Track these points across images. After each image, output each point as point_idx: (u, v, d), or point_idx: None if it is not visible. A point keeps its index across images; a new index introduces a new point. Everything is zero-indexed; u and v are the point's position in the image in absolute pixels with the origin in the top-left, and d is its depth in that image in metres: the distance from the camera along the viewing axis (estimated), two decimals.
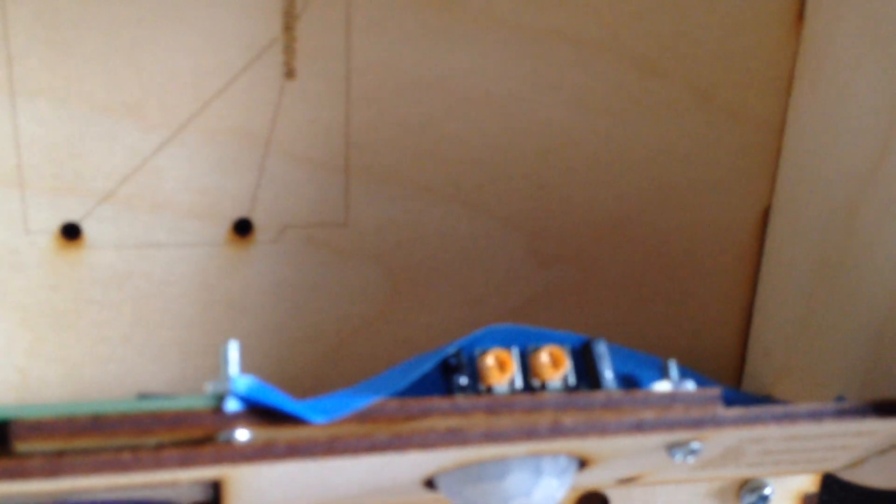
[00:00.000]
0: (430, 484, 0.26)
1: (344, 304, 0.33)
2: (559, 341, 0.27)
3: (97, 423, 0.22)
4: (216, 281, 0.32)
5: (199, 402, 0.22)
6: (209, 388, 0.23)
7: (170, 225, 0.31)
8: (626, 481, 0.30)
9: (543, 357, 0.26)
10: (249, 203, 0.31)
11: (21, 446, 0.21)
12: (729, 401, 0.26)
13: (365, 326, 0.33)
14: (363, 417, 0.23)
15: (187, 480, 0.23)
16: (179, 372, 0.32)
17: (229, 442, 0.22)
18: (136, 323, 0.32)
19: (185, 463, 0.21)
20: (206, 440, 0.22)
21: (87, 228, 0.30)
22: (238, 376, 0.22)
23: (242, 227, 0.31)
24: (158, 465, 0.21)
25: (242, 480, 0.23)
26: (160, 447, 0.22)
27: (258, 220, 0.31)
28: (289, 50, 0.29)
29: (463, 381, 0.25)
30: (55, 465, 0.21)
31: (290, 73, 0.30)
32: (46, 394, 0.32)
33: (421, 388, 0.25)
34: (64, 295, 0.31)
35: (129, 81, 0.29)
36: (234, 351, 0.23)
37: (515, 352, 0.26)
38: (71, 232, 0.30)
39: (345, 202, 0.32)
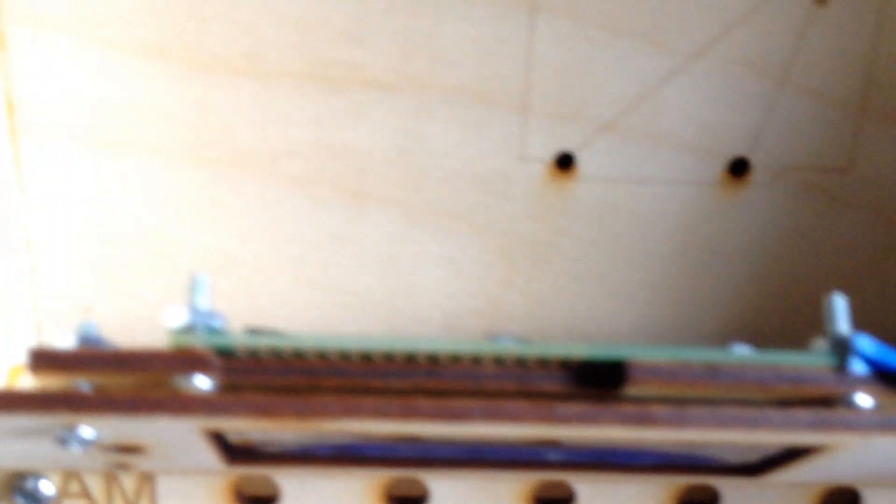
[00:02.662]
0: None
1: (830, 257, 0.30)
2: None
3: (714, 373, 0.20)
4: (700, 222, 0.30)
5: (817, 360, 0.20)
6: (818, 344, 0.21)
7: (664, 160, 0.29)
8: None
9: None
10: (750, 141, 0.29)
11: (631, 390, 0.20)
12: None
13: (852, 285, 0.30)
14: None
15: (782, 443, 0.21)
16: (646, 316, 0.31)
17: (852, 407, 0.20)
18: (612, 261, 0.30)
19: (815, 427, 0.19)
20: (827, 402, 0.20)
21: (582, 159, 0.29)
22: (857, 334, 0.20)
23: (738, 167, 0.29)
24: (787, 426, 0.20)
25: (845, 448, 0.21)
26: (784, 405, 0.20)
27: (756, 159, 0.29)
28: None
29: None
30: (682, 415, 0.19)
31: (820, 0, 0.27)
32: (512, 327, 0.31)
33: None
34: (545, 226, 0.30)
35: (649, 4, 0.27)
36: (840, 304, 0.21)
37: None
38: (565, 162, 0.29)
39: (852, 146, 0.29)
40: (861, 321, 0.30)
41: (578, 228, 0.30)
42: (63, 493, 0.27)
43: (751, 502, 0.27)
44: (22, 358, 0.31)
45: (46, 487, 0.27)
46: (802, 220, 0.30)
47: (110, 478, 0.27)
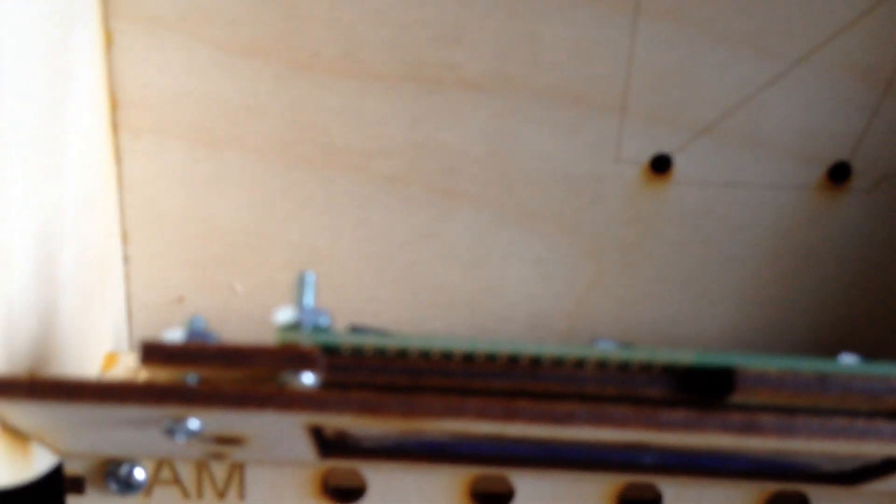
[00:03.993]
0: None
1: None
2: None
3: (824, 383, 0.20)
4: (796, 228, 0.29)
5: None
6: None
7: (762, 164, 0.28)
8: None
9: None
10: (852, 147, 0.28)
11: (738, 398, 0.20)
12: None
13: None
14: None
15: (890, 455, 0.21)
16: (736, 323, 0.30)
17: None
18: (702, 266, 0.30)
19: None
20: None
21: (679, 162, 0.29)
22: None
23: (839, 173, 0.29)
24: (893, 438, 0.19)
25: None
26: (891, 416, 0.20)
27: (858, 165, 0.29)
28: None
29: None
30: (790, 425, 0.19)
31: None
32: (597, 330, 0.31)
33: None
34: (637, 229, 0.29)
35: (754, 6, 0.27)
36: None
37: None
38: (661, 164, 0.29)
39: None
40: None
41: (671, 232, 0.29)
42: (154, 479, 0.27)
43: None
44: (114, 345, 0.32)
45: (139, 473, 0.28)
46: None
47: (201, 466, 0.27)
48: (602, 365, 0.21)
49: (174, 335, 0.21)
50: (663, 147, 0.28)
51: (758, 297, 0.30)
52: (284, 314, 0.21)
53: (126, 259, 0.31)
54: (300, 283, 0.21)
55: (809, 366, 0.20)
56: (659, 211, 0.29)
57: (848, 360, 0.21)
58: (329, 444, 0.26)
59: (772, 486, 0.26)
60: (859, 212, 0.29)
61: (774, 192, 0.29)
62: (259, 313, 0.32)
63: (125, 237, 0.31)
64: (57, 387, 0.20)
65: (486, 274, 0.30)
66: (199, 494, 0.28)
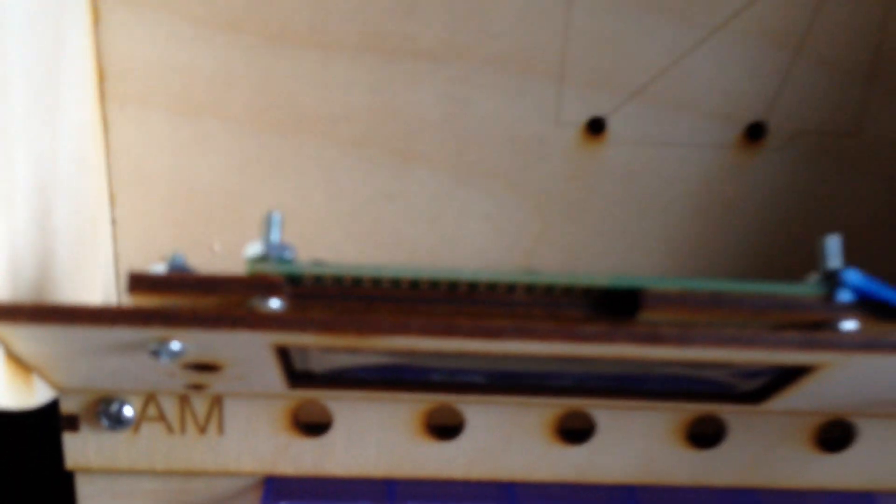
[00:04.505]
0: None
1: (839, 215, 0.33)
2: None
3: (717, 300, 0.23)
4: (719, 183, 0.32)
5: (808, 290, 0.23)
6: (812, 278, 0.23)
7: (687, 125, 0.32)
8: None
9: None
10: (767, 107, 0.31)
11: (645, 315, 0.23)
12: None
13: (857, 240, 0.33)
14: None
15: (776, 363, 0.24)
16: (667, 268, 0.33)
17: (838, 330, 0.23)
18: (637, 218, 0.33)
19: (804, 346, 0.22)
20: (817, 326, 0.23)
21: (613, 124, 0.32)
22: (847, 268, 0.23)
23: (755, 131, 0.32)
24: (779, 345, 0.22)
25: (833, 369, 0.24)
26: (779, 328, 0.23)
27: (772, 124, 0.32)
28: None
29: None
30: (686, 335, 0.22)
31: None
32: None
33: None
34: (578, 186, 0.32)
35: None
36: (834, 243, 0.23)
37: None
38: (597, 126, 0.32)
39: (861, 111, 0.31)
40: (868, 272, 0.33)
41: (607, 188, 0.32)
42: (142, 415, 0.30)
43: (755, 434, 0.29)
44: (103, 298, 0.35)
45: (128, 411, 0.31)
46: (814, 180, 0.32)
47: (184, 401, 0.30)
48: (530, 289, 0.24)
49: (158, 269, 0.24)
50: (599, 110, 0.31)
51: (686, 245, 0.33)
52: (254, 248, 0.24)
53: (113, 221, 0.34)
54: (268, 222, 0.24)
55: (705, 286, 0.23)
56: (596, 169, 0.32)
57: (764, 284, 0.24)
58: (297, 375, 0.28)
59: (691, 408, 0.29)
60: (774, 167, 0.32)
61: (699, 150, 0.32)
62: (236, 269, 0.35)
63: (112, 200, 0.34)
64: (56, 311, 0.23)
65: (443, 229, 0.33)
66: (183, 429, 0.31)
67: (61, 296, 0.29)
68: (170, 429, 0.31)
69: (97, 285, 0.34)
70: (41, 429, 0.33)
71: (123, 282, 0.35)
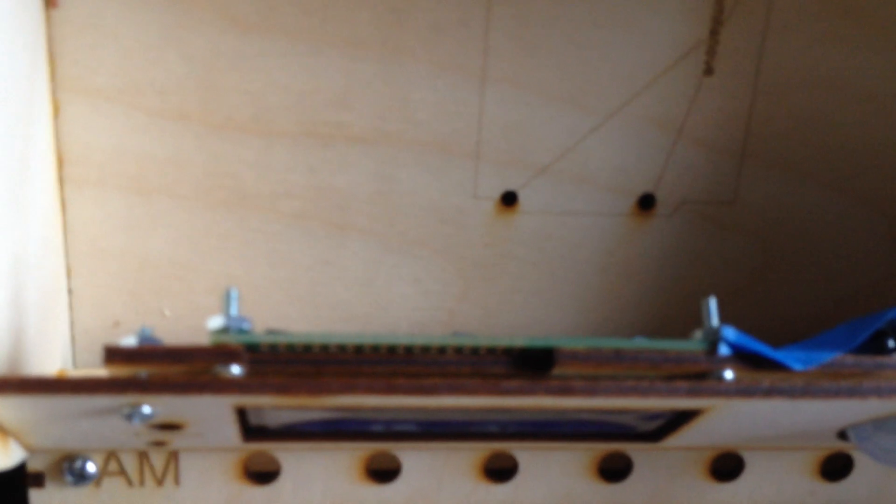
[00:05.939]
0: (842, 435, 0.31)
1: (721, 274, 0.37)
2: None
3: (619, 356, 0.27)
4: (617, 246, 0.37)
5: (693, 346, 0.27)
6: (696, 335, 0.28)
7: (587, 196, 0.36)
8: None
9: None
10: (655, 181, 0.36)
11: (558, 370, 0.27)
12: None
13: (736, 295, 0.38)
14: (826, 368, 0.27)
15: (670, 407, 0.28)
16: (576, 321, 0.37)
17: (721, 379, 0.27)
18: (548, 279, 0.37)
19: (691, 394, 0.26)
20: (702, 376, 0.27)
21: (523, 196, 0.36)
22: (725, 326, 0.27)
23: (646, 202, 0.36)
24: (671, 393, 0.26)
25: (718, 411, 0.28)
26: (671, 379, 0.27)
27: (660, 195, 0.36)
28: (710, 50, 0.34)
29: (891, 343, 0.29)
30: (593, 387, 0.26)
31: (708, 71, 0.34)
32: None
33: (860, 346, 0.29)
34: (494, 251, 0.36)
35: (575, 73, 0.34)
36: (713, 305, 0.28)
37: None
38: (509, 199, 0.36)
39: (736, 183, 0.36)
40: (743, 325, 0.38)
41: (521, 252, 0.36)
42: (103, 471, 0.33)
43: (657, 468, 0.34)
44: (62, 364, 0.37)
45: (90, 467, 0.33)
46: (698, 243, 0.37)
47: (142, 456, 0.33)
48: (459, 350, 0.27)
49: (128, 341, 0.27)
50: (511, 185, 0.36)
51: (592, 301, 0.37)
52: (216, 321, 0.27)
53: (70, 291, 0.36)
54: (226, 298, 0.27)
55: (608, 343, 0.27)
56: (510, 236, 0.36)
57: (639, 340, 0.28)
58: (251, 429, 0.32)
59: (601, 447, 0.33)
60: (663, 232, 0.37)
61: (599, 219, 0.36)
62: (185, 334, 0.38)
63: (69, 272, 0.36)
64: (42, 382, 0.26)
65: (375, 292, 0.37)
66: (142, 482, 0.33)
67: (31, 365, 0.32)
68: (129, 482, 0.33)
69: (56, 350, 0.36)
70: (5, 487, 0.35)
71: (80, 347, 0.38)
